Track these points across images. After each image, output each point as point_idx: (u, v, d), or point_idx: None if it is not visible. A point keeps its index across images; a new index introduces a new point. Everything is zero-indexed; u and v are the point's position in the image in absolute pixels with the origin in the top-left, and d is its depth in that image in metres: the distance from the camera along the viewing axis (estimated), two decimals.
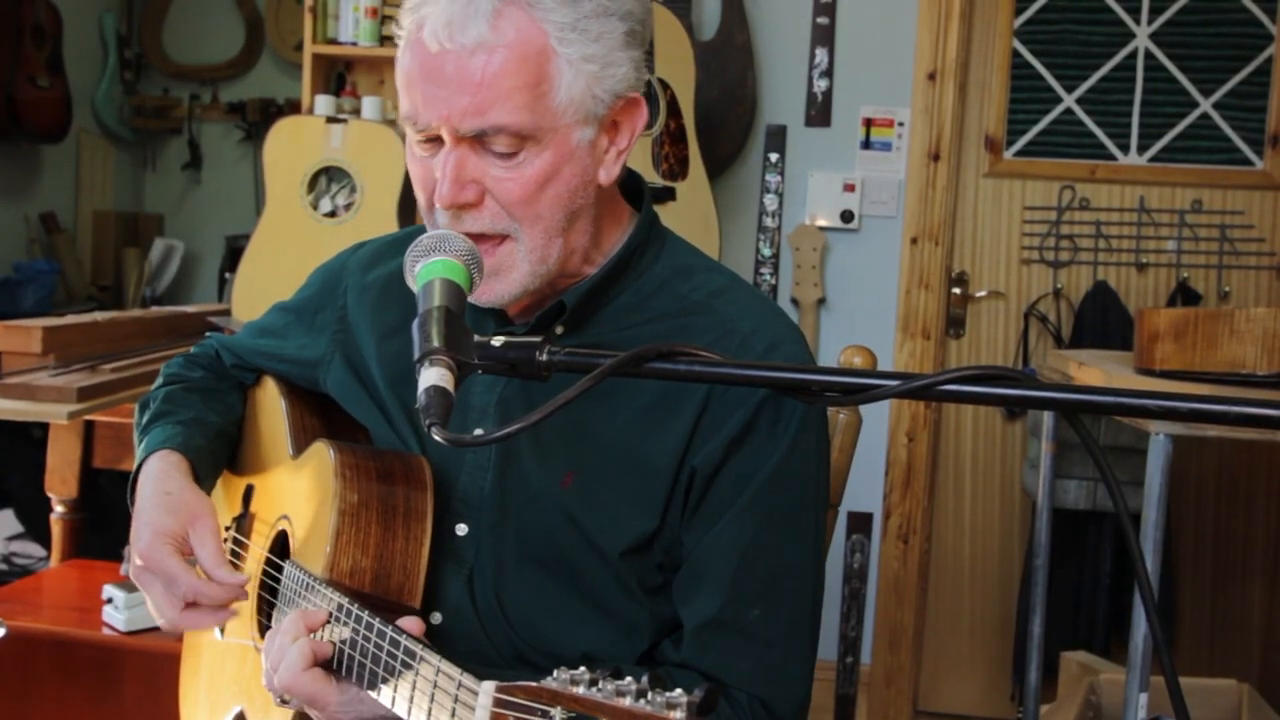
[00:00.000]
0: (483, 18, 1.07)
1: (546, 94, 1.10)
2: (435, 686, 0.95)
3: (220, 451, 1.43)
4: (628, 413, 1.19)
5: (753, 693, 1.18)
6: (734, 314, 1.23)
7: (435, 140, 1.14)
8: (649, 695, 0.76)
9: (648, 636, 1.22)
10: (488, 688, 0.86)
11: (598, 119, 1.15)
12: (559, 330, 1.22)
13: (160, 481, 1.28)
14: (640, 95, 1.19)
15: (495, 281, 1.16)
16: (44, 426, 2.78)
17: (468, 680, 0.91)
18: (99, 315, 3.02)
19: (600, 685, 0.77)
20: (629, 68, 1.15)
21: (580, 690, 0.77)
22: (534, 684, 0.80)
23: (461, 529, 1.23)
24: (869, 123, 3.41)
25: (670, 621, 1.23)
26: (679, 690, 0.76)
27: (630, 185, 1.28)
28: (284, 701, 1.09)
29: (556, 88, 1.11)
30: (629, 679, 0.77)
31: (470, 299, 1.16)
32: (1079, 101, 3.47)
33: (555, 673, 0.79)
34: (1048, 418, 2.71)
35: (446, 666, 0.94)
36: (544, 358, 1.02)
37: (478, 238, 1.13)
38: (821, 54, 3.41)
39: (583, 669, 0.79)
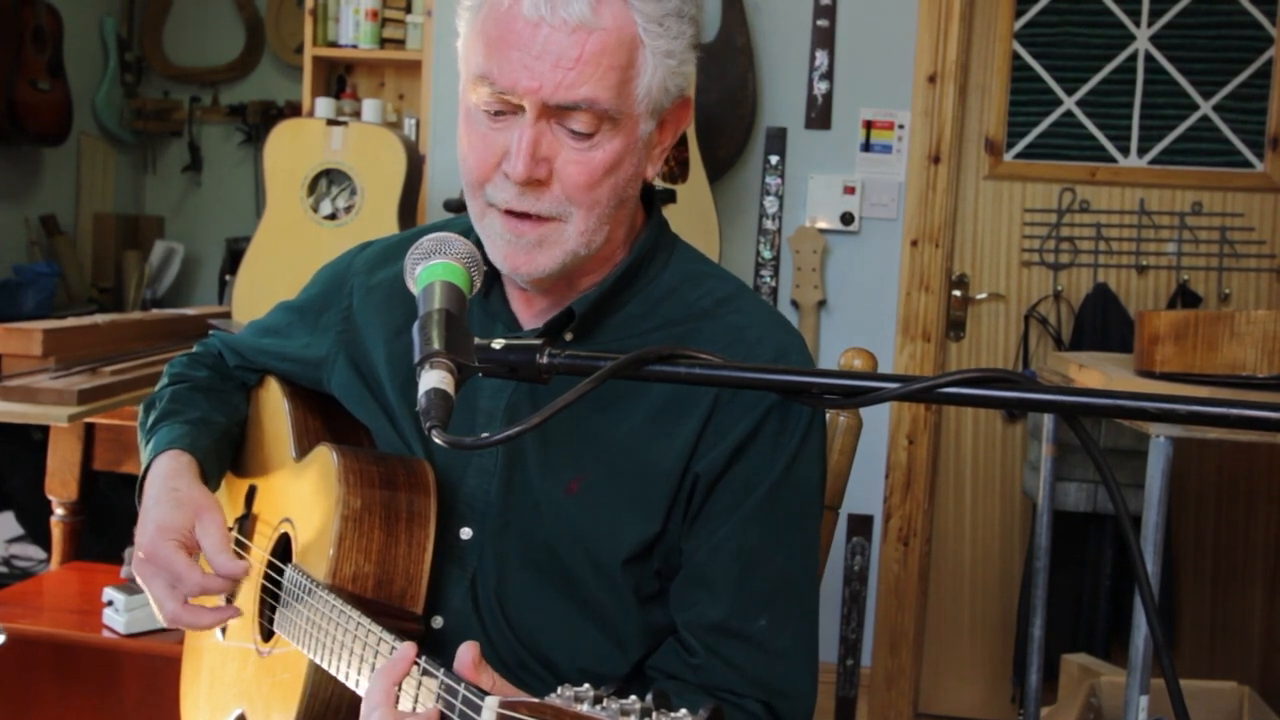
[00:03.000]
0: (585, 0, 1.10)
1: (631, 80, 1.13)
2: (438, 698, 0.94)
3: (225, 452, 1.43)
4: (634, 419, 1.19)
5: (763, 700, 1.18)
6: (742, 321, 1.23)
7: (504, 114, 1.13)
8: (654, 716, 0.75)
9: (640, 648, 1.23)
10: (491, 703, 0.85)
11: (660, 113, 1.18)
12: (568, 337, 1.22)
13: (168, 479, 1.28)
14: (690, 97, 1.22)
15: (538, 252, 1.15)
16: (44, 429, 2.78)
17: (470, 693, 0.90)
18: (99, 318, 3.02)
19: (605, 704, 0.76)
20: (690, 69, 1.19)
21: (584, 708, 0.76)
22: (537, 700, 0.79)
23: (466, 533, 1.23)
24: (869, 125, 3.41)
25: (662, 631, 1.23)
26: (684, 710, 0.75)
27: (641, 193, 1.28)
28: None
29: (640, 75, 1.13)
30: (633, 698, 0.76)
31: (507, 269, 1.17)
32: (1079, 104, 3.48)
33: (559, 689, 0.78)
34: (1048, 420, 2.71)
35: (449, 678, 0.94)
36: (544, 360, 1.02)
37: (531, 218, 1.14)
38: (822, 56, 3.41)
39: (586, 686, 0.78)
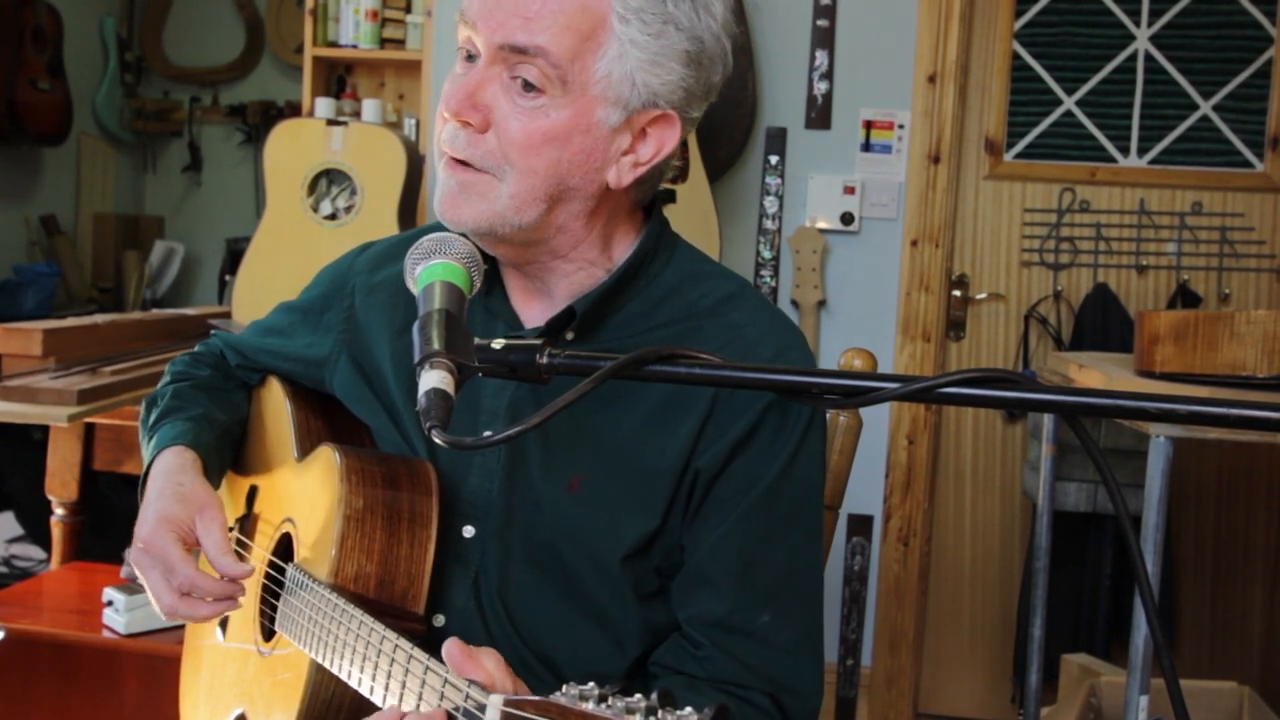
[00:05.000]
0: None
1: (591, 52, 1.12)
2: (442, 697, 0.94)
3: (226, 450, 1.43)
4: (635, 416, 1.19)
5: (769, 693, 1.18)
6: (742, 320, 1.23)
7: (473, 58, 1.15)
8: (659, 714, 0.75)
9: (638, 646, 1.23)
10: (495, 700, 0.85)
11: (629, 110, 1.15)
12: (569, 336, 1.22)
13: (173, 474, 1.28)
14: (678, 116, 1.18)
15: (463, 200, 1.15)
16: (44, 429, 2.78)
17: (474, 692, 0.90)
18: (99, 318, 3.02)
19: (610, 702, 0.76)
20: (677, 81, 1.16)
21: (589, 706, 0.76)
22: (542, 698, 0.79)
23: (468, 531, 1.23)
24: (869, 125, 3.41)
25: (660, 629, 1.23)
26: (689, 709, 0.75)
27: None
28: None
29: (601, 54, 1.12)
30: (638, 696, 0.76)
31: (438, 214, 1.17)
32: (1079, 104, 3.48)
33: (564, 687, 0.78)
34: (1048, 420, 2.71)
35: (454, 678, 0.94)
36: (544, 360, 1.02)
37: (464, 165, 1.14)
38: (821, 56, 3.41)
39: (591, 684, 0.78)
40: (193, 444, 1.33)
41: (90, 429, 2.59)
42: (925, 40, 3.36)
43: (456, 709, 0.92)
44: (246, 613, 1.33)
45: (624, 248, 1.25)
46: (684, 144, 3.10)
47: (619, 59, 1.12)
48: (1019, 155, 3.51)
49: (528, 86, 1.12)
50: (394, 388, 1.30)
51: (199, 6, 5.87)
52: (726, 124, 3.37)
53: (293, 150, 3.17)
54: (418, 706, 0.97)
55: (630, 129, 1.17)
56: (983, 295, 3.53)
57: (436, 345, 1.00)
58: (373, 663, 1.05)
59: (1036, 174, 3.49)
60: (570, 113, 1.13)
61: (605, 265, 1.24)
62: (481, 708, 0.88)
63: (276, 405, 1.43)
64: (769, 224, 3.37)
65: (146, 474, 1.32)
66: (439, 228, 1.21)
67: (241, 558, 1.38)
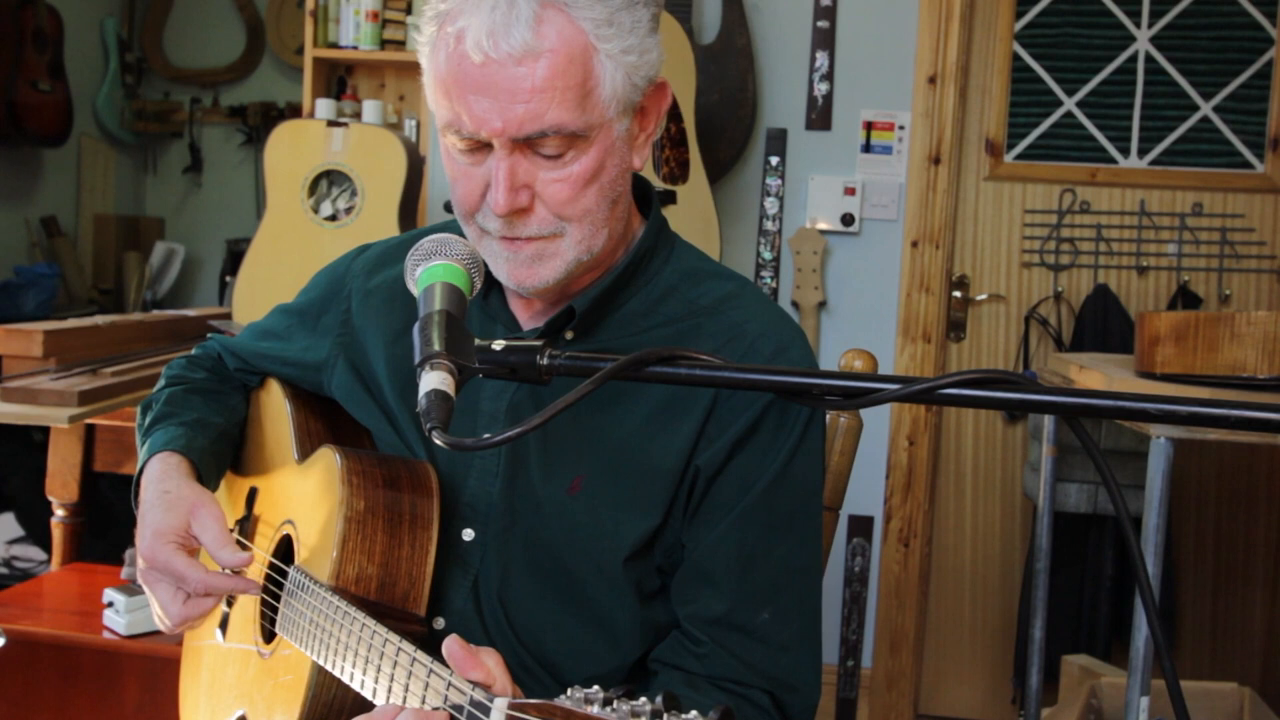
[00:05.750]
0: (525, 24, 1.06)
1: (593, 91, 1.11)
2: (445, 700, 0.94)
3: (224, 453, 1.43)
4: (635, 417, 1.19)
5: (768, 691, 1.18)
6: (742, 318, 1.23)
7: (478, 149, 1.13)
8: (664, 717, 0.75)
9: (638, 648, 1.23)
10: (500, 704, 0.85)
11: (634, 108, 1.16)
12: (568, 336, 1.22)
13: (160, 482, 1.28)
14: (665, 79, 1.19)
15: (539, 265, 1.16)
16: (45, 430, 2.78)
17: (478, 694, 0.90)
18: (100, 319, 3.01)
19: (615, 705, 0.76)
20: (656, 53, 1.16)
21: (594, 710, 0.76)
22: (547, 702, 0.79)
23: (468, 534, 1.23)
24: (869, 126, 3.41)
25: (660, 629, 1.23)
26: (694, 713, 0.75)
27: (639, 191, 1.28)
28: None
29: (601, 84, 1.11)
30: (643, 700, 0.77)
31: (513, 284, 1.17)
32: (1079, 105, 3.48)
33: (569, 691, 0.78)
34: (1048, 421, 2.71)
35: (458, 681, 0.94)
36: (544, 361, 1.02)
37: (525, 239, 1.14)
38: (822, 57, 3.41)
39: (596, 688, 0.78)
40: (183, 449, 1.33)
41: (91, 430, 2.59)
42: (925, 41, 3.36)
43: (459, 710, 0.91)
44: (247, 614, 1.33)
45: (625, 242, 1.25)
46: (684, 143, 3.12)
47: (615, 75, 1.12)
48: (1019, 156, 3.51)
49: (552, 156, 1.11)
50: (389, 392, 1.30)
51: (200, 8, 5.87)
52: (727, 125, 3.37)
53: (293, 151, 3.17)
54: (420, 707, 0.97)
55: (635, 116, 1.18)
56: (983, 296, 3.53)
57: (437, 346, 1.00)
58: (375, 665, 1.05)
59: (1037, 175, 3.49)
60: (597, 148, 1.13)
61: (607, 262, 1.24)
62: (485, 710, 0.87)
63: (276, 407, 1.43)
64: (769, 225, 3.37)
65: (138, 481, 1.32)
66: (439, 229, 1.21)
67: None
